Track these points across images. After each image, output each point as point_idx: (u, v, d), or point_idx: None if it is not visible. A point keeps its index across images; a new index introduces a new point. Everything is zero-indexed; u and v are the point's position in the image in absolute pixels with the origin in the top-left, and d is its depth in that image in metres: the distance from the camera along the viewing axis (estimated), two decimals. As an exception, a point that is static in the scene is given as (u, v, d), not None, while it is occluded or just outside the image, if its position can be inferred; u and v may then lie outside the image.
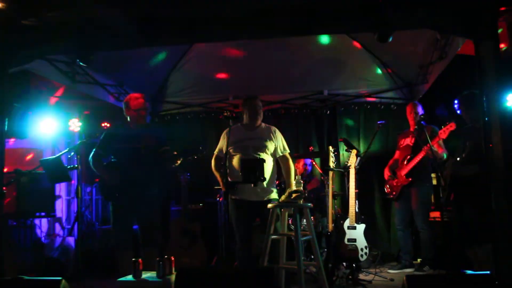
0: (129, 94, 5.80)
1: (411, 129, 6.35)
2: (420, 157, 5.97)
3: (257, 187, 4.83)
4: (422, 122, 5.74)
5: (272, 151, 5.09)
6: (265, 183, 4.86)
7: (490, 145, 3.93)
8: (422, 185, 6.15)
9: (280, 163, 5.20)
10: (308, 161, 7.16)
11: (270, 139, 5.08)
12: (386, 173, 6.49)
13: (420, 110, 6.26)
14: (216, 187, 6.43)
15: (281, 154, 5.16)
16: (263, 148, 5.01)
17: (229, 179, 4.78)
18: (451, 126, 5.65)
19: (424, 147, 5.85)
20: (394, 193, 6.31)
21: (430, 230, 6.12)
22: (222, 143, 5.16)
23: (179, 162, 5.20)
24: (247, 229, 4.96)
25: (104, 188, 5.27)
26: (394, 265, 6.40)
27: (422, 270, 6.04)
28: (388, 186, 6.44)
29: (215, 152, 5.19)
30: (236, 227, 4.98)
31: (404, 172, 6.17)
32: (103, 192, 5.49)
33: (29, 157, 7.67)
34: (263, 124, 5.22)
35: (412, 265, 6.23)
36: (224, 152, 4.95)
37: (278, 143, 5.14)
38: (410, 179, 6.11)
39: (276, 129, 5.24)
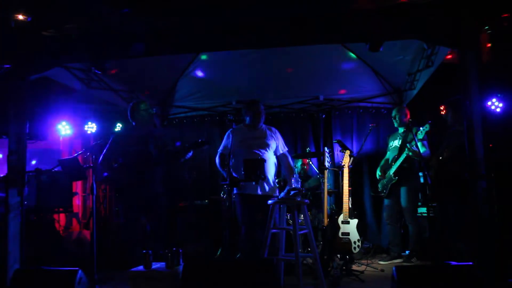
0: (137, 99, 5.88)
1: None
2: (403, 157, 6.00)
3: (265, 183, 4.98)
4: (409, 124, 5.75)
5: (274, 149, 5.18)
6: (270, 179, 5.05)
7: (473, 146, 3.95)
8: (410, 184, 6.15)
9: (280, 160, 5.26)
10: (306, 161, 7.17)
11: (272, 138, 5.19)
12: (378, 173, 6.51)
13: (404, 114, 6.29)
14: (222, 183, 6.43)
15: (281, 152, 5.25)
16: (266, 146, 5.10)
17: (234, 175, 4.84)
18: (426, 128, 5.68)
19: (405, 147, 5.90)
20: (384, 191, 6.33)
21: (417, 225, 6.14)
22: (226, 142, 5.23)
23: (190, 153, 5.23)
24: (250, 221, 4.99)
25: (114, 187, 5.32)
26: (384, 257, 6.40)
27: (410, 261, 6.04)
28: (379, 185, 6.45)
29: (220, 150, 5.23)
30: (241, 220, 5.02)
31: (391, 171, 6.18)
32: (115, 191, 5.55)
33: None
34: (264, 125, 5.30)
35: (400, 256, 6.23)
36: (228, 150, 5.03)
37: (278, 142, 5.23)
38: (397, 177, 6.12)
39: (276, 129, 5.36)
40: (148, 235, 5.29)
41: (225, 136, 5.27)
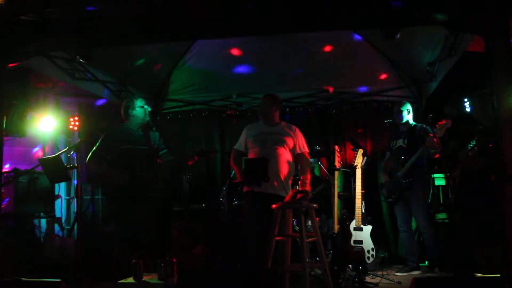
0: (131, 95, 5.88)
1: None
2: (418, 156, 5.95)
3: (274, 182, 4.98)
4: (429, 120, 5.72)
5: (291, 147, 5.22)
6: (282, 177, 5.05)
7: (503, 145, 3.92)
8: (418, 186, 6.09)
9: (298, 161, 5.29)
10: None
11: (290, 135, 5.25)
12: (383, 177, 6.47)
13: (407, 110, 6.26)
14: (234, 181, 6.46)
15: (299, 152, 5.28)
16: (282, 143, 5.15)
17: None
18: (447, 124, 5.65)
19: (423, 145, 5.87)
20: (392, 196, 6.27)
21: (432, 230, 6.09)
22: (242, 137, 5.38)
23: (195, 159, 5.36)
24: (258, 221, 4.98)
25: (107, 188, 5.32)
26: (402, 268, 6.36)
27: (432, 272, 6.01)
28: (384, 189, 6.40)
29: (235, 146, 5.38)
30: (249, 219, 5.05)
31: (400, 173, 6.12)
32: (104, 192, 5.56)
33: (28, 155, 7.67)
34: (283, 122, 5.42)
35: (418, 267, 6.19)
36: (242, 146, 5.26)
37: (297, 141, 5.27)
38: (408, 180, 6.07)
39: (296, 128, 5.40)
40: (138, 242, 5.27)
41: (242, 132, 5.42)
